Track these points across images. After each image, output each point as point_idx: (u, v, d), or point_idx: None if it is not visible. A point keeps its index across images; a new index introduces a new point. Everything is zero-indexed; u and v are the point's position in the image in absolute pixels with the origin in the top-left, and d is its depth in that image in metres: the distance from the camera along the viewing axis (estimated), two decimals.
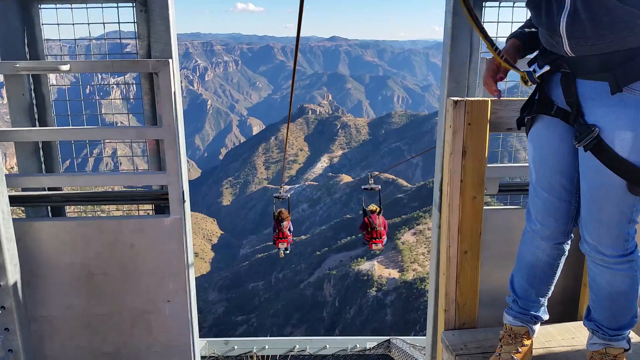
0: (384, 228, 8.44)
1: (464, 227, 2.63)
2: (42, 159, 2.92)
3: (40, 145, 2.90)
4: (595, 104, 1.84)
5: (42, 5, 2.75)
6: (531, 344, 2.42)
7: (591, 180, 1.93)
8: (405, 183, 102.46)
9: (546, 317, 2.44)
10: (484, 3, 2.76)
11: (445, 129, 2.59)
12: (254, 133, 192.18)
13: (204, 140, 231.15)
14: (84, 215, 3.58)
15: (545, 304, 2.43)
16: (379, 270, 61.49)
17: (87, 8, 2.76)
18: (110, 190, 3.06)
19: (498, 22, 2.85)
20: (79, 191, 3.00)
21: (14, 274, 2.45)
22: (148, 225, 2.81)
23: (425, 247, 61.78)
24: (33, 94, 2.81)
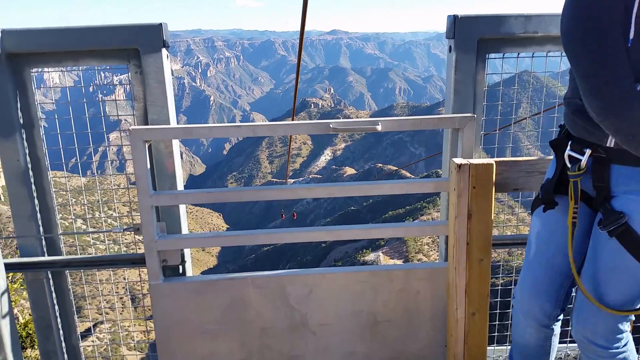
0: None
1: (471, 290, 2.56)
2: (40, 222, 2.85)
3: (38, 209, 2.83)
4: (628, 190, 1.77)
5: (34, 69, 2.67)
6: None
7: (605, 261, 1.85)
8: (408, 174, 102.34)
9: None
10: (487, 55, 2.68)
11: (450, 191, 2.51)
12: None
13: None
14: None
15: None
16: (385, 260, 61.54)
17: (80, 70, 2.69)
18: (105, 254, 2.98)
19: (502, 73, 2.78)
20: (78, 256, 2.92)
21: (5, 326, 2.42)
22: (434, 273, 2.76)
23: (429, 237, 61.68)
24: (28, 159, 2.74)
